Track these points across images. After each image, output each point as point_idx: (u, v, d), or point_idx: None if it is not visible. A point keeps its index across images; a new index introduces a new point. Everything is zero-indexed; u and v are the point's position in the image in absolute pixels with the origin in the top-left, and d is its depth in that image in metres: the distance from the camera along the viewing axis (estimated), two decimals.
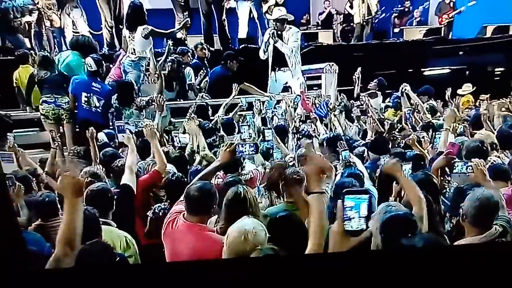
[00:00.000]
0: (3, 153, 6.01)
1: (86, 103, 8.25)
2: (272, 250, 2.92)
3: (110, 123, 8.27)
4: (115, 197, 4.53)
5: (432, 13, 17.98)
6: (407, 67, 14.41)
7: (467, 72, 15.20)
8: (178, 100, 10.05)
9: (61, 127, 8.35)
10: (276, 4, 11.53)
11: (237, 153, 4.45)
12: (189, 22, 10.76)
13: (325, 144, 6.33)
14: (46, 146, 8.66)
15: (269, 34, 10.64)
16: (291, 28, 10.67)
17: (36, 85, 8.87)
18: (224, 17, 12.37)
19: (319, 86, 11.16)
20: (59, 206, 4.52)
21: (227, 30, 12.56)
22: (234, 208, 3.72)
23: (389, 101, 10.49)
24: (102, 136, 7.34)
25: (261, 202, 4.95)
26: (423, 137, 6.59)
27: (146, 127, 6.18)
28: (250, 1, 12.78)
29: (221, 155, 4.24)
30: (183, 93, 10.15)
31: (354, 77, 10.80)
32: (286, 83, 11.07)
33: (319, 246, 2.73)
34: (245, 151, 4.73)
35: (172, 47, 10.10)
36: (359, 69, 10.91)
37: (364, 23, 15.29)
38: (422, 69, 15.02)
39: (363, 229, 2.32)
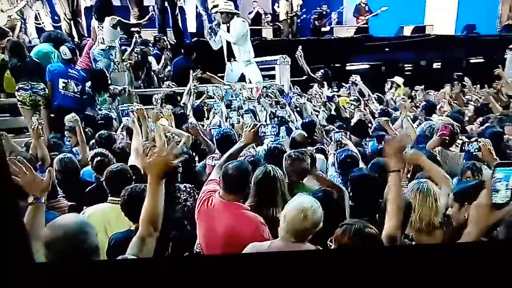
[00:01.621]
0: None
1: (64, 89, 7.82)
2: None
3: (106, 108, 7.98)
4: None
5: (347, 15, 18.54)
6: (335, 62, 14.65)
7: (383, 67, 15.69)
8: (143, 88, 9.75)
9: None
10: None
11: (259, 133, 4.32)
12: (154, 16, 10.51)
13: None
14: (17, 131, 8.26)
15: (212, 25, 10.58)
16: (237, 18, 10.56)
17: (9, 71, 8.27)
18: (177, 12, 12.05)
19: (273, 76, 11.07)
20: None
21: (180, 25, 12.27)
22: (264, 186, 3.61)
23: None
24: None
25: None
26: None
27: (138, 111, 5.97)
28: None
29: (245, 136, 4.05)
30: (149, 81, 9.87)
31: (296, 55, 10.98)
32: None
33: (399, 227, 2.68)
34: (267, 132, 4.61)
35: (138, 39, 9.78)
36: (299, 47, 11.04)
37: (289, 21, 15.50)
38: (346, 64, 15.32)
39: (508, 202, 2.10)
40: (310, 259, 2.11)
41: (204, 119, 8.01)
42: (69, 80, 7.87)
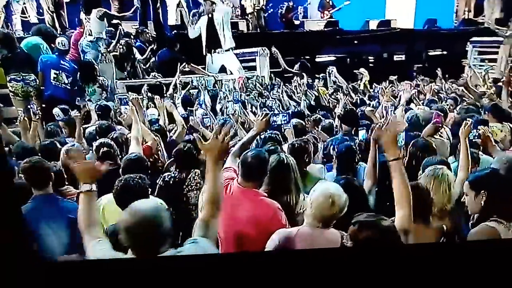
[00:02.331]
0: None
1: (55, 80, 7.72)
2: None
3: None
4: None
5: (312, 9, 18.59)
6: (305, 54, 14.73)
7: (348, 59, 15.86)
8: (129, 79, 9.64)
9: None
10: None
11: (271, 122, 4.32)
12: (139, 8, 10.39)
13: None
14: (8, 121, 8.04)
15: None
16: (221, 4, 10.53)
17: None
18: (158, 5, 11.90)
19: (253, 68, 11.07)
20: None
21: (161, 18, 12.12)
22: (278, 174, 3.59)
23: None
24: (57, 111, 6.86)
25: None
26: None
27: (133, 100, 5.90)
28: None
29: (257, 124, 4.02)
30: (134, 73, 9.76)
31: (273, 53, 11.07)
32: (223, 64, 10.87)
33: (410, 217, 2.65)
34: (278, 121, 4.62)
35: (123, 31, 9.64)
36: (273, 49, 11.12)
37: (256, 14, 15.50)
38: (316, 56, 15.41)
39: None
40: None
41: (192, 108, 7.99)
42: (60, 71, 7.80)
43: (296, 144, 4.27)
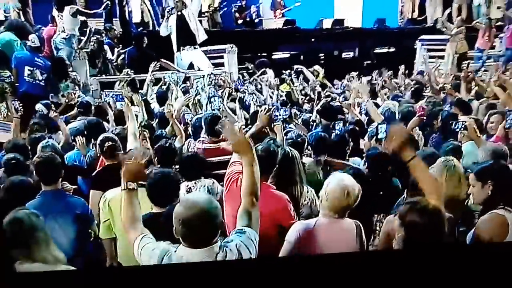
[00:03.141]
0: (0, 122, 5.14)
1: (29, 76, 7.44)
2: None
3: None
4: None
5: (264, 9, 18.61)
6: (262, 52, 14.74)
7: (302, 56, 15.97)
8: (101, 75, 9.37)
9: None
10: None
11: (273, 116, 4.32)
12: (109, 5, 10.09)
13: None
14: None
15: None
16: None
17: None
18: (124, 2, 11.61)
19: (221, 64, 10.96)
20: None
21: (127, 15, 11.84)
22: (284, 167, 3.61)
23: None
24: (40, 107, 6.64)
25: None
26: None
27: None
28: None
29: (260, 119, 4.06)
30: (105, 69, 9.49)
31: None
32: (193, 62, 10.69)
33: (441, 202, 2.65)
34: (280, 115, 4.60)
35: (92, 28, 9.37)
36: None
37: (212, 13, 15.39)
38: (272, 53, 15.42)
39: None
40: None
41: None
42: (35, 68, 7.52)
43: (299, 139, 4.30)
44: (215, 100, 6.25)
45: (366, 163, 4.18)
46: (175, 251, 2.35)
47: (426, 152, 3.97)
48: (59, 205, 3.63)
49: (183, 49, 10.33)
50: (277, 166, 3.57)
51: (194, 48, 10.14)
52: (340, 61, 15.51)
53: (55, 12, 8.77)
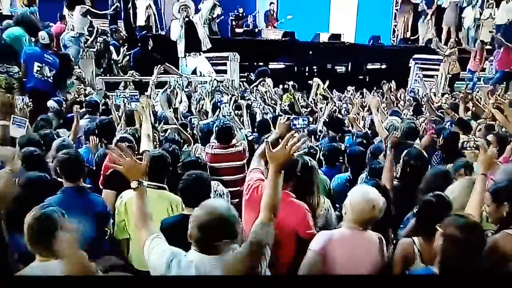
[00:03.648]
0: (16, 117, 5.01)
1: (38, 73, 7.30)
2: None
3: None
4: None
5: (260, 19, 18.65)
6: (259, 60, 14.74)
7: (295, 68, 16.01)
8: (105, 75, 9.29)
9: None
10: None
11: (291, 125, 4.27)
12: (119, 7, 10.04)
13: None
14: None
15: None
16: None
17: None
18: (129, 5, 11.55)
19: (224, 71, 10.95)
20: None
21: (131, 18, 11.78)
22: (303, 176, 3.51)
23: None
24: (52, 103, 6.56)
25: None
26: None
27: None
28: None
29: (279, 127, 3.99)
30: (109, 69, 9.41)
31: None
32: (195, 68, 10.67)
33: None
34: (298, 124, 4.56)
35: (100, 28, 9.29)
36: None
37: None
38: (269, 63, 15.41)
39: None
40: None
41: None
42: (44, 64, 7.37)
43: (312, 149, 4.27)
44: (225, 107, 6.17)
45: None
46: (185, 255, 2.29)
47: (439, 169, 3.95)
48: (80, 202, 3.53)
49: (188, 55, 10.30)
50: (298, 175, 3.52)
51: (199, 54, 10.09)
52: (333, 74, 15.48)
53: (65, 11, 8.67)
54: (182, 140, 5.73)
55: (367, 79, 15.71)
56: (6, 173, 3.11)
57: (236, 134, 5.46)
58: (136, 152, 4.42)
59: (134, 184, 2.58)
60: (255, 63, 14.28)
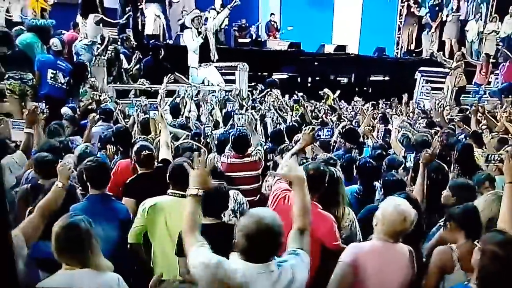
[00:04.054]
0: (15, 121, 5.01)
1: (52, 79, 7.31)
2: None
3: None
4: None
5: (263, 29, 18.73)
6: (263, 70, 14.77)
7: (299, 78, 16.05)
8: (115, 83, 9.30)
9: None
10: None
11: (316, 136, 4.27)
12: (131, 16, 10.08)
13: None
14: None
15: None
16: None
17: None
18: (138, 14, 11.58)
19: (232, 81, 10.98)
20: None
21: (139, 27, 11.82)
22: (330, 187, 3.49)
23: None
24: (66, 110, 6.57)
25: (268, 181, 4.84)
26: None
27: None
28: (156, 3, 12.17)
29: (303, 137, 3.98)
30: (119, 77, 9.42)
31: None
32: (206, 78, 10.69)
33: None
34: (323, 135, 4.55)
35: (111, 37, 9.31)
36: None
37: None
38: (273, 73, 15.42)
39: None
40: None
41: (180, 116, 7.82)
42: (57, 71, 7.38)
43: (331, 160, 4.26)
44: (242, 118, 6.17)
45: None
46: (230, 264, 2.29)
47: (460, 182, 3.94)
48: (105, 210, 3.54)
49: (199, 65, 10.32)
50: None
51: (210, 64, 10.13)
52: (338, 85, 15.47)
53: (79, 19, 8.70)
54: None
55: (370, 90, 15.86)
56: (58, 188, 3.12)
57: (252, 143, 5.47)
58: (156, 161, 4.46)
59: (194, 191, 2.57)
60: (260, 73, 14.34)
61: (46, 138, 5.18)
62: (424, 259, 3.21)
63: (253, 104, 8.12)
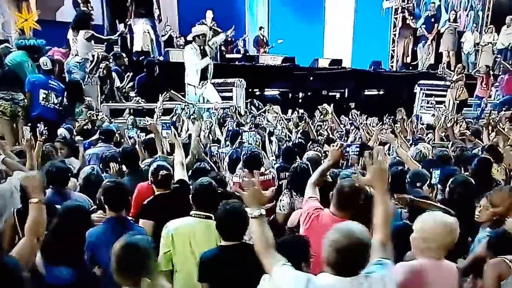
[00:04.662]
0: None
1: (44, 100, 7.26)
2: None
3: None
4: None
5: (250, 43, 18.87)
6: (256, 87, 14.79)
7: (290, 94, 16.08)
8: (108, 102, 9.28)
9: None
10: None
11: (344, 152, 4.29)
12: (125, 32, 10.12)
13: None
14: None
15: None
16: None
17: None
18: (126, 30, 11.62)
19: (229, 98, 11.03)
20: None
21: (128, 43, 11.86)
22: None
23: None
24: (63, 131, 6.55)
25: (283, 200, 4.87)
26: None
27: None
28: (145, 18, 12.22)
29: (332, 154, 4.01)
30: (111, 95, 9.40)
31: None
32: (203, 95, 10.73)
33: None
34: (351, 151, 4.60)
35: (101, 54, 9.32)
36: None
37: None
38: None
39: None
40: None
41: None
42: (50, 91, 7.35)
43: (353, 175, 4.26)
44: (250, 136, 6.21)
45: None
46: (319, 280, 2.39)
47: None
48: (122, 233, 3.46)
49: (199, 84, 10.37)
50: (340, 194, 3.49)
51: (206, 82, 10.21)
52: (329, 99, 15.53)
53: (69, 35, 8.70)
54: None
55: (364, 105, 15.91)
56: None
57: (264, 162, 5.50)
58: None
59: (257, 212, 2.64)
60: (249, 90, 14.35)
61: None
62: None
63: (257, 122, 8.15)
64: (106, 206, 3.67)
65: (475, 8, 17.54)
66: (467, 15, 17.70)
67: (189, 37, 10.58)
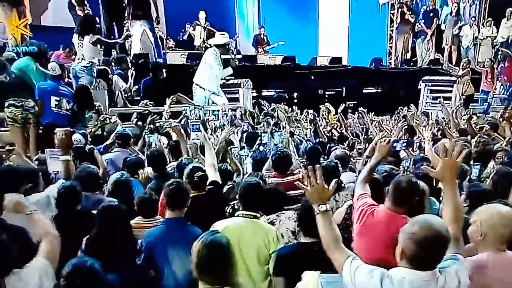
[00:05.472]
0: (52, 150, 5.00)
1: (56, 107, 7.26)
2: None
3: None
4: None
5: (241, 43, 19.03)
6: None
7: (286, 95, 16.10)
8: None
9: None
10: None
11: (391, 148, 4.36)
12: (131, 35, 10.12)
13: None
14: None
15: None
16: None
17: None
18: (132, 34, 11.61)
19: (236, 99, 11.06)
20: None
21: (126, 46, 11.86)
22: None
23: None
24: (78, 137, 6.57)
25: None
26: None
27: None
28: (142, 20, 12.21)
29: (380, 149, 4.04)
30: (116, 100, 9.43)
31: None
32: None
33: None
34: (398, 146, 4.68)
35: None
36: None
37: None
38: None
39: None
40: None
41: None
42: (61, 97, 7.35)
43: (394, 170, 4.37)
44: (280, 135, 6.30)
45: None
46: (395, 273, 2.43)
47: None
48: (183, 234, 3.63)
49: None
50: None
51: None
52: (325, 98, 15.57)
53: (75, 39, 8.71)
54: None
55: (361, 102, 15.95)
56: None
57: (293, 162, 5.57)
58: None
59: (323, 207, 2.74)
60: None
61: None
62: None
63: (272, 121, 8.21)
64: (167, 207, 3.83)
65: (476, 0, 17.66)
66: (471, 7, 17.71)
67: (212, 42, 10.59)
